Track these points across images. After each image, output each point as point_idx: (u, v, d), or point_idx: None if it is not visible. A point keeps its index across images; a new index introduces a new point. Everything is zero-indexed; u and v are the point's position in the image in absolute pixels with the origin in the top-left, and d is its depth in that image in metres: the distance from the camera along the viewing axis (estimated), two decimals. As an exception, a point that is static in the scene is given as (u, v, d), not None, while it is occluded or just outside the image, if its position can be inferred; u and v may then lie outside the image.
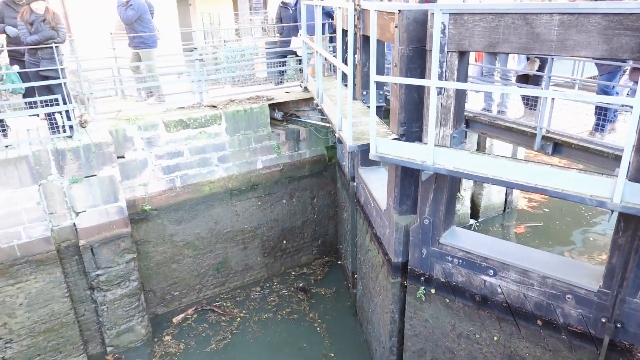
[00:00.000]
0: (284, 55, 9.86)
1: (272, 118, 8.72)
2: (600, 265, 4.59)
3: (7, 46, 7.29)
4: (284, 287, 9.18)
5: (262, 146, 8.63)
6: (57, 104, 6.47)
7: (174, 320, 8.23)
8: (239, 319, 8.29)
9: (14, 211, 6.28)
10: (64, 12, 12.14)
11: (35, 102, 6.64)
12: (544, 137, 5.78)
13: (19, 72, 6.83)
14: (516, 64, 7.50)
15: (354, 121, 5.31)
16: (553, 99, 5.58)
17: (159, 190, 7.83)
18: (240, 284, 9.21)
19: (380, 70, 6.67)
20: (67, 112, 6.59)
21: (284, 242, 9.48)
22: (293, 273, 9.60)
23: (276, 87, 9.58)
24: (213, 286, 8.94)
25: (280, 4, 9.92)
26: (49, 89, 6.76)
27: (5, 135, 6.81)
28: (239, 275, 9.17)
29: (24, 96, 7.03)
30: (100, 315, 7.36)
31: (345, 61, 6.41)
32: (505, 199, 11.31)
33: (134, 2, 8.12)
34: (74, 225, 6.84)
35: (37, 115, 7.10)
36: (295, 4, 9.68)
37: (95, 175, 6.77)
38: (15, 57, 7.28)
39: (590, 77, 8.24)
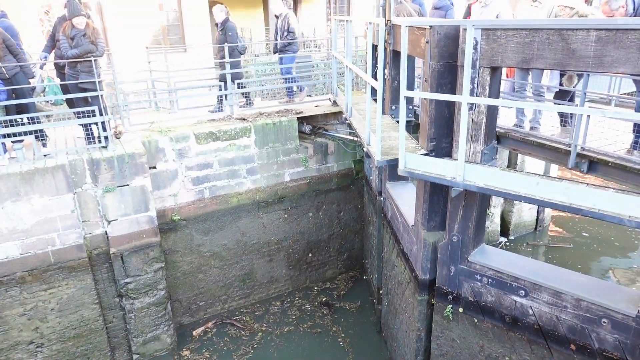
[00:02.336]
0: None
1: (300, 131, 8.79)
2: (639, 289, 4.40)
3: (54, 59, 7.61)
4: (306, 301, 9.12)
5: (290, 159, 8.68)
6: (94, 115, 6.69)
7: (194, 333, 8.25)
8: (260, 333, 8.26)
9: (49, 218, 6.48)
10: (103, 27, 12.59)
11: (77, 113, 6.87)
12: (578, 155, 5.63)
13: (59, 85, 7.10)
14: (549, 80, 7.36)
15: (382, 136, 5.30)
16: (589, 115, 5.44)
17: (188, 201, 7.96)
18: (265, 296, 9.22)
19: (410, 85, 6.66)
20: (102, 123, 6.79)
21: (310, 255, 9.46)
22: (316, 288, 9.54)
23: (305, 101, 9.65)
24: (238, 297, 8.97)
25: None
26: (86, 101, 7.00)
27: (44, 145, 7.08)
28: (264, 288, 9.19)
29: (70, 107, 7.30)
30: (127, 322, 7.48)
31: (374, 76, 6.43)
32: (537, 217, 11.02)
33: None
34: (106, 233, 7.00)
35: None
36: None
37: (127, 185, 6.93)
38: (58, 70, 7.58)
39: (627, 94, 8.00)
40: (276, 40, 9.65)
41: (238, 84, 9.00)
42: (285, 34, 9.37)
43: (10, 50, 6.76)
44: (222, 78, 8.87)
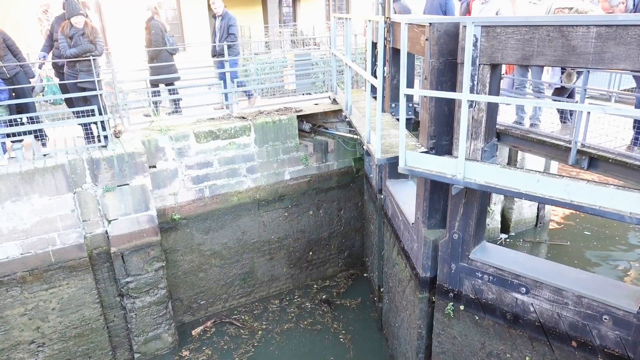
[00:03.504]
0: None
1: (300, 130, 8.77)
2: (640, 286, 4.40)
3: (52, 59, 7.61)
4: (306, 299, 9.12)
5: (290, 157, 8.67)
6: (94, 115, 6.68)
7: (193, 332, 8.24)
8: (260, 331, 8.26)
9: (49, 218, 6.48)
10: (102, 26, 12.57)
11: (76, 112, 6.87)
12: (579, 151, 5.62)
13: (58, 84, 7.09)
14: (550, 76, 7.34)
15: (382, 134, 5.29)
16: (589, 112, 5.43)
17: (188, 200, 7.95)
18: (265, 295, 9.22)
19: (410, 83, 6.64)
20: (102, 122, 6.78)
21: (310, 253, 9.46)
22: (316, 286, 9.54)
23: (304, 99, 9.63)
24: (239, 296, 8.97)
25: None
26: (85, 100, 6.99)
27: (44, 145, 7.07)
28: (264, 286, 9.19)
29: (69, 106, 7.29)
30: (128, 322, 7.48)
31: (374, 74, 6.42)
32: (537, 214, 11.02)
33: None
34: (106, 232, 7.00)
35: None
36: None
37: (127, 184, 6.93)
38: (56, 70, 7.57)
39: (627, 90, 7.99)
40: (214, 42, 9.10)
41: (171, 90, 8.71)
42: (225, 35, 8.88)
43: (10, 49, 6.75)
44: (154, 83, 8.67)
